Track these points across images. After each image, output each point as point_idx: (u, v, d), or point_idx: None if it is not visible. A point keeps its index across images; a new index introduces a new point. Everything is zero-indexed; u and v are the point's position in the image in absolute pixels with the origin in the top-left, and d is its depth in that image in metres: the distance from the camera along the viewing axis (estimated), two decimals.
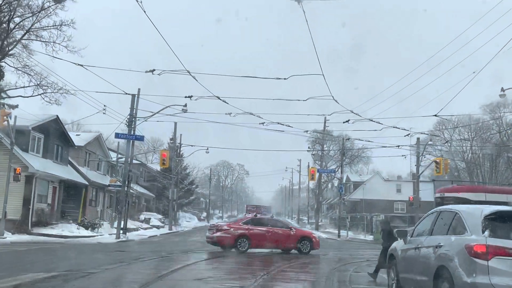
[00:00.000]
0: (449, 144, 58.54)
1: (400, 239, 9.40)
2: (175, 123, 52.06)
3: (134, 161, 57.03)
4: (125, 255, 18.24)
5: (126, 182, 32.00)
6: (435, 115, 22.10)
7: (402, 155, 41.90)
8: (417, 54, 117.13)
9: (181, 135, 55.01)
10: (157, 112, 30.61)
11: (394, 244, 9.87)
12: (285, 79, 16.87)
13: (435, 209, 8.59)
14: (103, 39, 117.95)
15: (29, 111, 31.31)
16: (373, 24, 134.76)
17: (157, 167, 60.20)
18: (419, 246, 8.16)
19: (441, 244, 7.23)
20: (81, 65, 18.25)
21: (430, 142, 44.43)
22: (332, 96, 18.53)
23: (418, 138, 40.14)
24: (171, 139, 58.58)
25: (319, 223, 60.44)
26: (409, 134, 29.66)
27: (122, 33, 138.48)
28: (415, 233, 8.99)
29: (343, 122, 23.68)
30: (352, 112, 21.47)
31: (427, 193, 49.04)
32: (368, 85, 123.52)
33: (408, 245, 8.87)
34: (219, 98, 19.97)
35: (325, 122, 49.96)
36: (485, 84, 77.98)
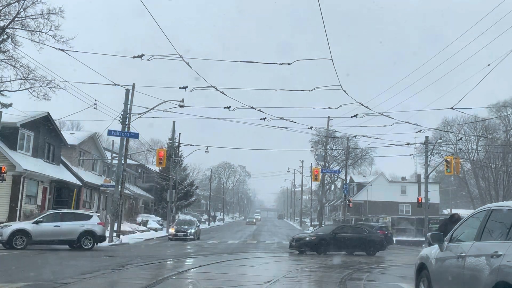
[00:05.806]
0: (454, 145, 56.73)
1: (434, 244, 7.60)
2: (174, 122, 50.69)
3: (133, 162, 55.38)
4: (112, 261, 16.50)
5: (120, 182, 30.18)
6: (452, 108, 20.28)
7: (410, 154, 40.23)
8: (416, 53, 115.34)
9: (179, 134, 53.49)
10: (153, 108, 28.83)
11: (426, 252, 8.06)
12: (289, 64, 15.07)
13: (483, 207, 6.81)
14: (95, 35, 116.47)
15: (19, 108, 29.80)
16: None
17: (156, 168, 58.46)
18: (463, 254, 6.39)
19: (500, 252, 5.49)
20: (63, 50, 16.59)
21: (440, 140, 42.59)
22: (341, 86, 16.79)
23: (426, 137, 38.56)
24: (170, 139, 56.95)
25: (323, 225, 58.49)
26: (420, 130, 27.90)
27: (116, 27, 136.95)
28: (454, 237, 7.22)
29: (351, 117, 21.90)
30: (362, 104, 19.67)
31: (432, 195, 47.44)
32: (375, 81, 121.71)
33: (446, 252, 7.08)
34: (216, 88, 18.25)
35: (328, 122, 48.15)
36: (492, 83, 76.20)
